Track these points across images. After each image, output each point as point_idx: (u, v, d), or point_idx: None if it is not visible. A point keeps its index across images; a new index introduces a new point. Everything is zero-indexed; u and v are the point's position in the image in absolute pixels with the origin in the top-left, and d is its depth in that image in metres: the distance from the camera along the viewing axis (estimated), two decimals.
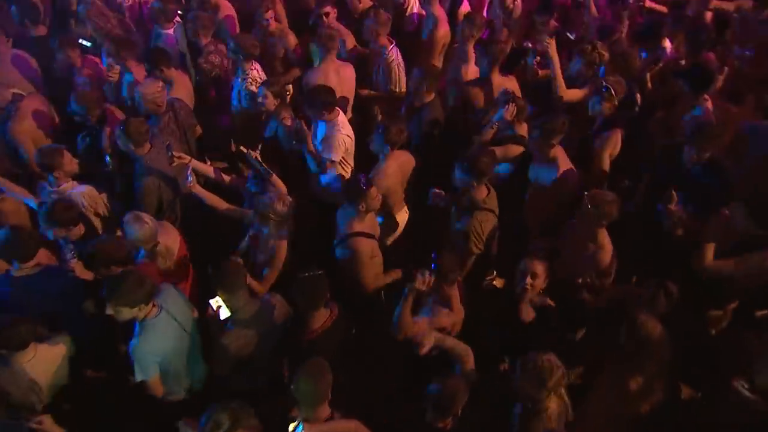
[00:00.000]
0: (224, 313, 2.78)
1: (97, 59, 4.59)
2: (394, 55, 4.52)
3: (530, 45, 4.68)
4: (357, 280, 3.24)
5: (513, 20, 5.09)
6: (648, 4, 5.28)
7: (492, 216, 3.35)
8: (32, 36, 4.69)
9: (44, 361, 2.71)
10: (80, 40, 4.53)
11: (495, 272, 4.00)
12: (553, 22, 4.99)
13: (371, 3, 5.13)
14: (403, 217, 3.88)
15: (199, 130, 4.37)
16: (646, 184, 3.65)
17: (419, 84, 4.00)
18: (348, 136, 3.87)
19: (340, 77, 4.32)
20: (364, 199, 3.14)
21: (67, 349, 2.80)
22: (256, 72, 4.38)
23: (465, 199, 3.34)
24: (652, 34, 4.47)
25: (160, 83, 3.98)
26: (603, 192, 3.13)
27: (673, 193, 3.09)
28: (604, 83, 3.66)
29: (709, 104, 3.68)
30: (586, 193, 3.09)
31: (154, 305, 2.68)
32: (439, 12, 4.94)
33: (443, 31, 4.86)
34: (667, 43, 4.55)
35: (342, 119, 3.90)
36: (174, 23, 4.84)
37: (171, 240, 3.30)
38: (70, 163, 3.44)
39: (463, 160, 3.22)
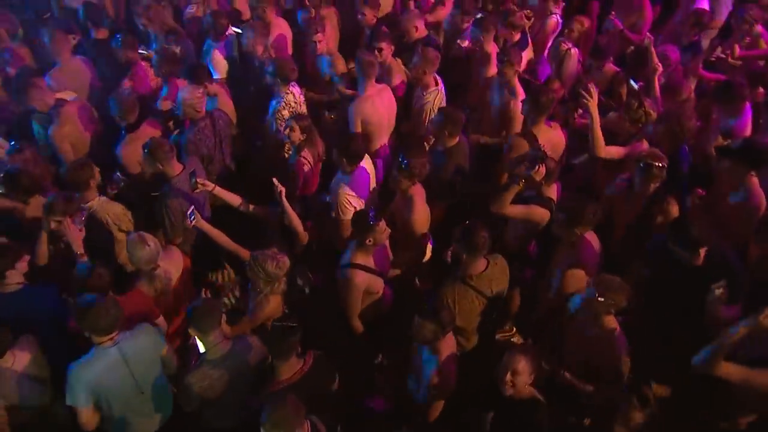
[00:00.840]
0: (201, 346, 2.72)
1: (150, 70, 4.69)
2: (432, 99, 4.32)
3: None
4: (343, 307, 3.25)
5: (566, 70, 4.67)
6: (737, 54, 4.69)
7: (473, 295, 3.03)
8: (94, 38, 4.87)
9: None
10: (140, 48, 4.66)
11: (514, 328, 3.77)
12: (612, 67, 4.59)
13: (426, 33, 4.93)
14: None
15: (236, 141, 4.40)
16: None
17: (440, 129, 3.79)
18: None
19: (382, 101, 4.23)
20: (372, 233, 3.07)
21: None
22: (292, 97, 4.32)
23: (454, 266, 3.10)
24: (735, 95, 3.85)
25: (201, 89, 4.04)
26: (610, 278, 2.73)
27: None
28: (641, 163, 3.27)
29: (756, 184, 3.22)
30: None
31: (111, 339, 2.62)
32: (492, 49, 4.64)
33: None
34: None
35: (362, 169, 3.75)
36: (227, 36, 4.87)
37: (173, 266, 3.31)
38: (94, 178, 3.52)
39: (461, 230, 2.94)
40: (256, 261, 2.99)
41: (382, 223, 3.11)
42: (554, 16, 5.15)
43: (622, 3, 5.35)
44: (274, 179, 3.40)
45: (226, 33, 4.88)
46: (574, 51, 4.75)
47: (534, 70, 5.03)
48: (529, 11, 5.04)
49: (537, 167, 3.21)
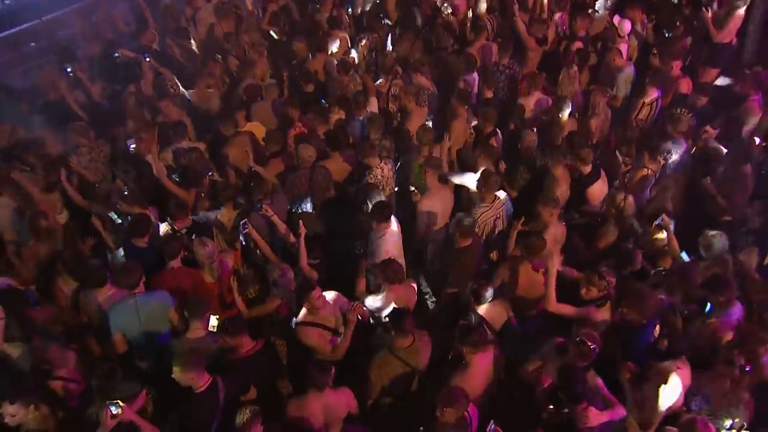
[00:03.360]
0: (213, 324, 3.38)
1: None
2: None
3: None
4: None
5: None
6: None
7: (398, 364, 3.23)
8: None
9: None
10: None
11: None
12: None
13: None
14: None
15: None
16: None
17: (453, 229, 4.00)
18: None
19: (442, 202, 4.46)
20: (309, 300, 3.43)
21: None
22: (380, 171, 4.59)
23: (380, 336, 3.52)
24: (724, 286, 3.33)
25: None
26: None
27: None
28: (578, 337, 3.08)
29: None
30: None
31: (132, 294, 3.48)
32: None
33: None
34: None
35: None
36: None
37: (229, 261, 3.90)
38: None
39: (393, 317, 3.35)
40: (271, 267, 3.72)
41: (317, 291, 3.43)
42: None
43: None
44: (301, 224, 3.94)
45: None
46: None
47: None
48: None
49: None
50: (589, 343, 2.95)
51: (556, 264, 3.47)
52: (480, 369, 3.15)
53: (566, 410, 2.81)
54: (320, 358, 3.38)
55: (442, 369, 3.37)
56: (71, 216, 4.39)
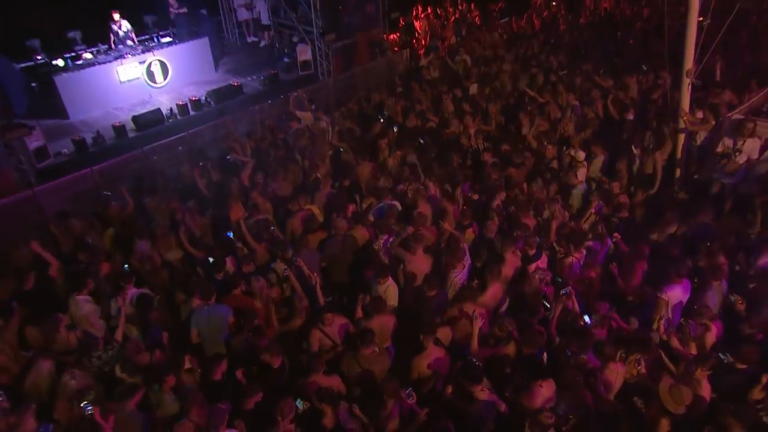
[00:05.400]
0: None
1: None
2: None
3: None
4: None
5: None
6: None
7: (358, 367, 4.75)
8: None
9: None
10: None
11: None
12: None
13: None
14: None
15: None
16: None
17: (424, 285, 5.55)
18: None
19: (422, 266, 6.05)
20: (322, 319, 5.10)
21: None
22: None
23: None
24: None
25: None
26: None
27: None
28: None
29: None
30: None
31: (206, 304, 5.21)
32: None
33: None
34: None
35: None
36: None
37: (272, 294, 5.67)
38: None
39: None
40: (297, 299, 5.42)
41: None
42: None
43: None
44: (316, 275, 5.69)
45: None
46: None
47: None
48: None
49: None
50: (477, 363, 4.29)
51: (479, 320, 4.77)
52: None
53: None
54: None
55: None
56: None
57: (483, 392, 4.16)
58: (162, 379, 4.44)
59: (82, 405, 4.01)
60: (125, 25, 11.37)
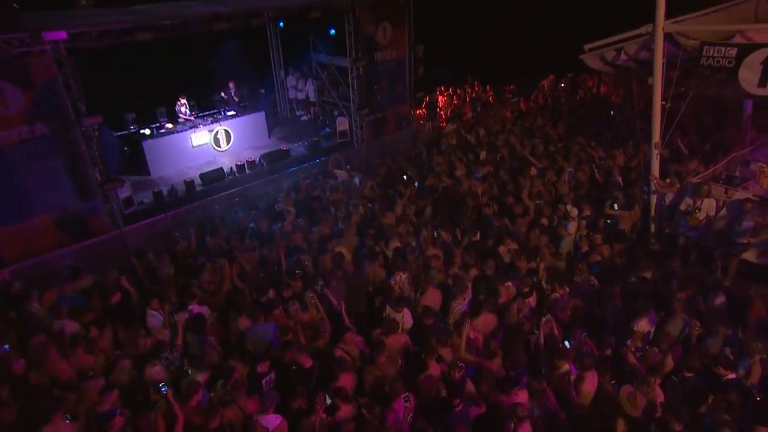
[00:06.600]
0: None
1: None
2: None
3: None
4: None
5: None
6: None
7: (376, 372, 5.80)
8: None
9: None
10: None
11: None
12: None
13: None
14: None
15: None
16: None
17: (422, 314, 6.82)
18: None
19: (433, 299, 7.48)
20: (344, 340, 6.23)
21: None
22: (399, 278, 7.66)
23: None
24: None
25: None
26: None
27: None
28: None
29: None
30: None
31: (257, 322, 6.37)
32: None
33: None
34: None
35: None
36: None
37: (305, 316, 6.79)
38: None
39: None
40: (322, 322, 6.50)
41: None
42: None
43: None
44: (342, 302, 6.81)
45: None
46: None
47: None
48: None
49: None
50: (461, 365, 5.23)
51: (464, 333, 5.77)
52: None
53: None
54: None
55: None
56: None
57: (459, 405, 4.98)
58: (228, 374, 5.57)
59: (160, 386, 5.17)
60: (185, 104, 13.80)
